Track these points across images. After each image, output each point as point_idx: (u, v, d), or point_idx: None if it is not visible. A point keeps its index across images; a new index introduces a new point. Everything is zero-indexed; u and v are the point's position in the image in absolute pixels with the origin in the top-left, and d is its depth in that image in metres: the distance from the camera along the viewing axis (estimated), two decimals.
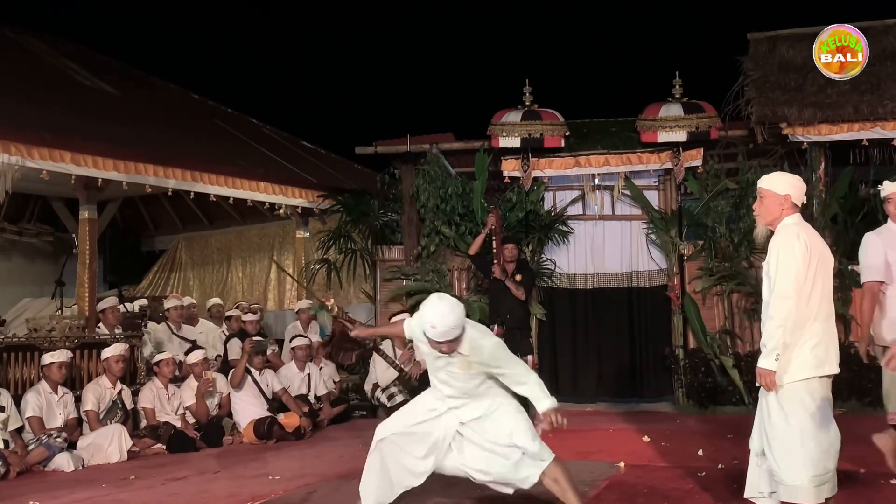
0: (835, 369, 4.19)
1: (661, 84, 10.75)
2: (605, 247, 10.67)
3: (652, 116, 10.22)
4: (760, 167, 9.89)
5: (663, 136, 10.13)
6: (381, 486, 4.84)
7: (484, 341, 4.65)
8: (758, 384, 4.20)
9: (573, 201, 10.75)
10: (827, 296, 4.20)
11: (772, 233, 4.36)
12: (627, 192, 10.55)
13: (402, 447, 4.86)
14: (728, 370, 9.68)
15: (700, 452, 6.85)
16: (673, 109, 10.17)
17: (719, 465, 6.34)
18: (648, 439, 7.61)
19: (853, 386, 8.78)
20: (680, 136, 10.09)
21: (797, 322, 4.08)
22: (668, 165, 10.28)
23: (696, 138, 10.10)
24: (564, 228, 10.59)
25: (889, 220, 5.62)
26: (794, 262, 4.11)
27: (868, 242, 5.53)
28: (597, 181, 10.58)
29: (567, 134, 10.39)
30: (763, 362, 4.12)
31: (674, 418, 9.33)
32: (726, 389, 9.70)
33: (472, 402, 4.83)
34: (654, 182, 10.62)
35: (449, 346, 4.54)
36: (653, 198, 10.54)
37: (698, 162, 10.23)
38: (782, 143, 10.11)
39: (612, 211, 10.73)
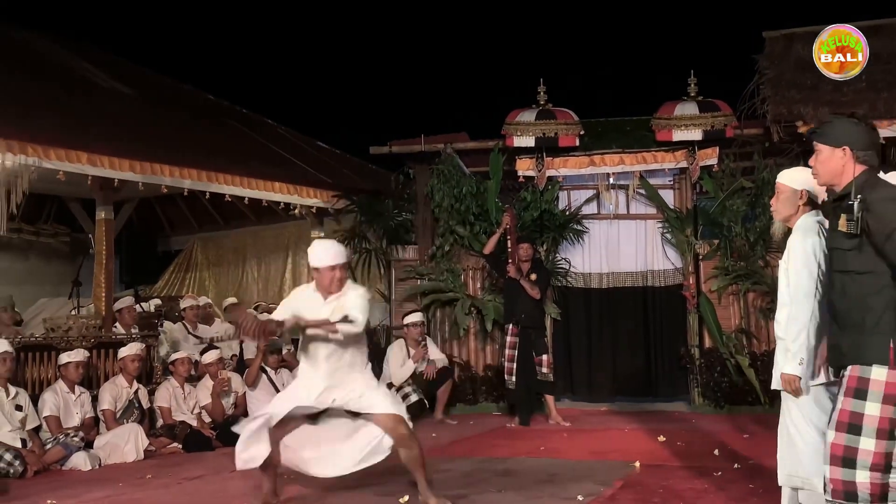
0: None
1: (676, 83, 10.73)
2: (620, 246, 10.64)
3: (667, 115, 10.19)
4: (776, 166, 9.84)
5: (678, 135, 10.11)
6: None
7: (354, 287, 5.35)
8: (781, 389, 4.09)
9: (588, 200, 10.73)
10: None
11: (789, 230, 4.28)
12: (642, 191, 10.52)
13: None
14: (744, 370, 9.64)
15: (716, 452, 6.83)
16: (688, 108, 10.14)
17: (735, 465, 6.31)
18: (664, 439, 7.59)
19: None
20: (695, 134, 10.06)
21: (819, 325, 3.97)
22: (684, 164, 10.25)
23: (712, 137, 10.07)
24: (579, 228, 10.56)
25: None
26: (813, 261, 4.01)
27: None
28: (611, 180, 10.55)
29: (581, 133, 10.37)
30: (788, 367, 4.01)
31: (689, 418, 9.30)
32: (742, 389, 9.67)
33: (348, 378, 5.22)
34: (670, 181, 10.58)
35: (341, 273, 5.24)
36: (668, 197, 10.51)
37: (714, 161, 10.19)
38: (798, 142, 10.04)
39: (627, 210, 10.70)
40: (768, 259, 9.86)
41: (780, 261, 4.29)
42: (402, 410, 5.30)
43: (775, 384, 4.17)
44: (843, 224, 3.47)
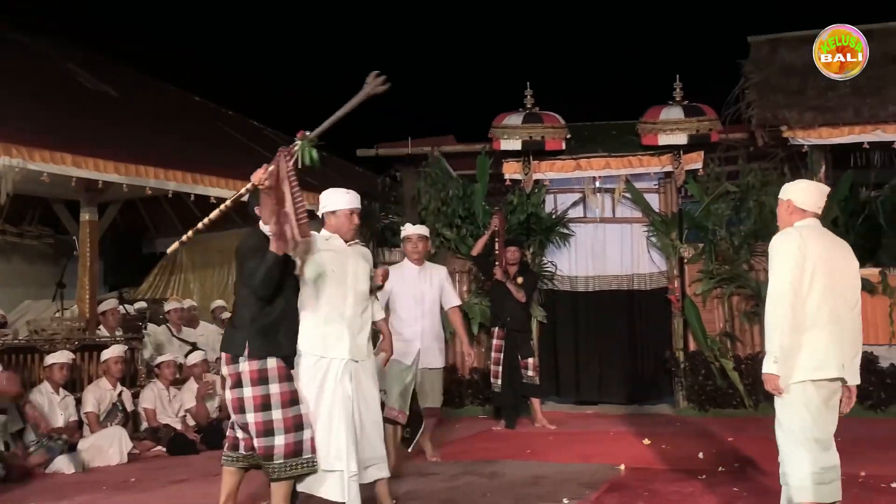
0: (833, 373, 4.09)
1: (661, 87, 10.77)
2: (606, 249, 10.67)
3: (652, 119, 10.23)
4: (761, 170, 9.92)
5: (664, 139, 10.14)
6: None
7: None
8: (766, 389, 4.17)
9: (574, 204, 10.75)
10: (829, 300, 4.09)
11: None
12: (628, 195, 10.55)
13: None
14: (728, 373, 9.68)
15: (700, 455, 6.85)
16: (673, 112, 10.18)
17: (720, 468, 6.34)
18: (649, 442, 7.61)
19: None
20: (680, 139, 10.10)
21: (795, 326, 4.04)
22: (669, 168, 10.29)
23: (697, 141, 10.11)
24: (565, 231, 10.58)
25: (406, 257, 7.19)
26: (785, 264, 4.08)
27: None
28: (598, 184, 10.58)
29: (568, 137, 10.40)
30: (765, 367, 4.10)
31: (674, 421, 9.32)
32: (727, 392, 9.71)
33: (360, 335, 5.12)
34: (655, 185, 10.62)
35: (357, 219, 5.36)
36: (653, 201, 10.54)
37: (699, 165, 10.23)
38: (783, 146, 10.11)
39: (613, 214, 10.72)
40: (752, 262, 9.91)
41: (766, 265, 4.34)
42: None
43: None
44: None
